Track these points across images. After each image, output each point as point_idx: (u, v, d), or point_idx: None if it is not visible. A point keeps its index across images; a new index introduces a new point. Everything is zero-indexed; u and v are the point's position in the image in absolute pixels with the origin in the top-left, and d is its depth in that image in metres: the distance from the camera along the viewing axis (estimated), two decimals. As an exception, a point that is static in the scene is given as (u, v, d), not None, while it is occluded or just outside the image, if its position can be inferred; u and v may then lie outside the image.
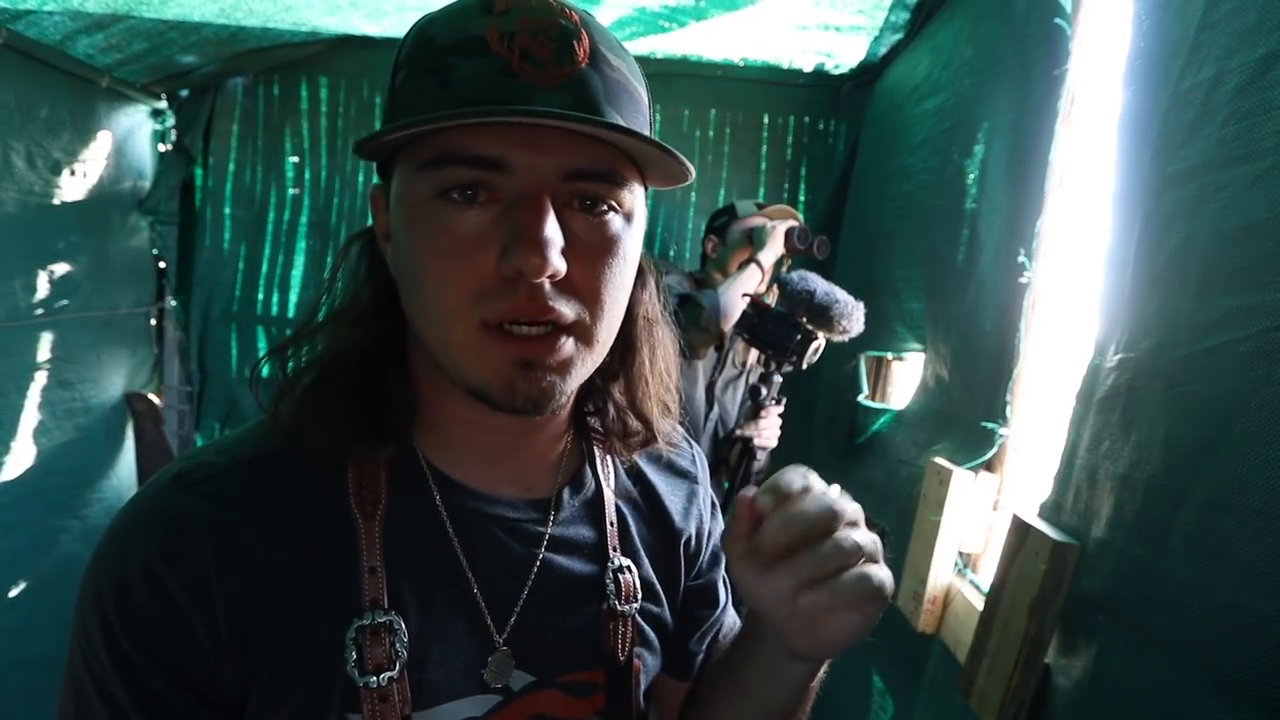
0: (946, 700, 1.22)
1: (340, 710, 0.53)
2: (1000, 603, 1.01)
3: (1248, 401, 0.67)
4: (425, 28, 0.52)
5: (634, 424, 0.66)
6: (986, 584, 1.13)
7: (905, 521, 1.46)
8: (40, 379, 2.09)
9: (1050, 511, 0.99)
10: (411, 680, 0.54)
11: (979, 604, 1.14)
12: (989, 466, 1.28)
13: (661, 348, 0.66)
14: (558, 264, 0.48)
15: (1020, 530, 1.00)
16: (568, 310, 0.50)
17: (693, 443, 0.79)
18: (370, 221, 0.61)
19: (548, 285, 0.49)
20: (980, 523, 1.28)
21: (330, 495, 0.55)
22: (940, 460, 1.33)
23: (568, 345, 0.51)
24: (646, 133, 0.54)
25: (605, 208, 0.51)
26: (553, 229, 0.48)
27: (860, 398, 1.99)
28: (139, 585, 0.51)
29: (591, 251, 0.51)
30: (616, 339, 0.58)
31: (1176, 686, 0.71)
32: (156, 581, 0.51)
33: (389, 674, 0.53)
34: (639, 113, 0.53)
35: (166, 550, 0.51)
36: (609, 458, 0.69)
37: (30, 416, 2.05)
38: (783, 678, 0.61)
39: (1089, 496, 0.90)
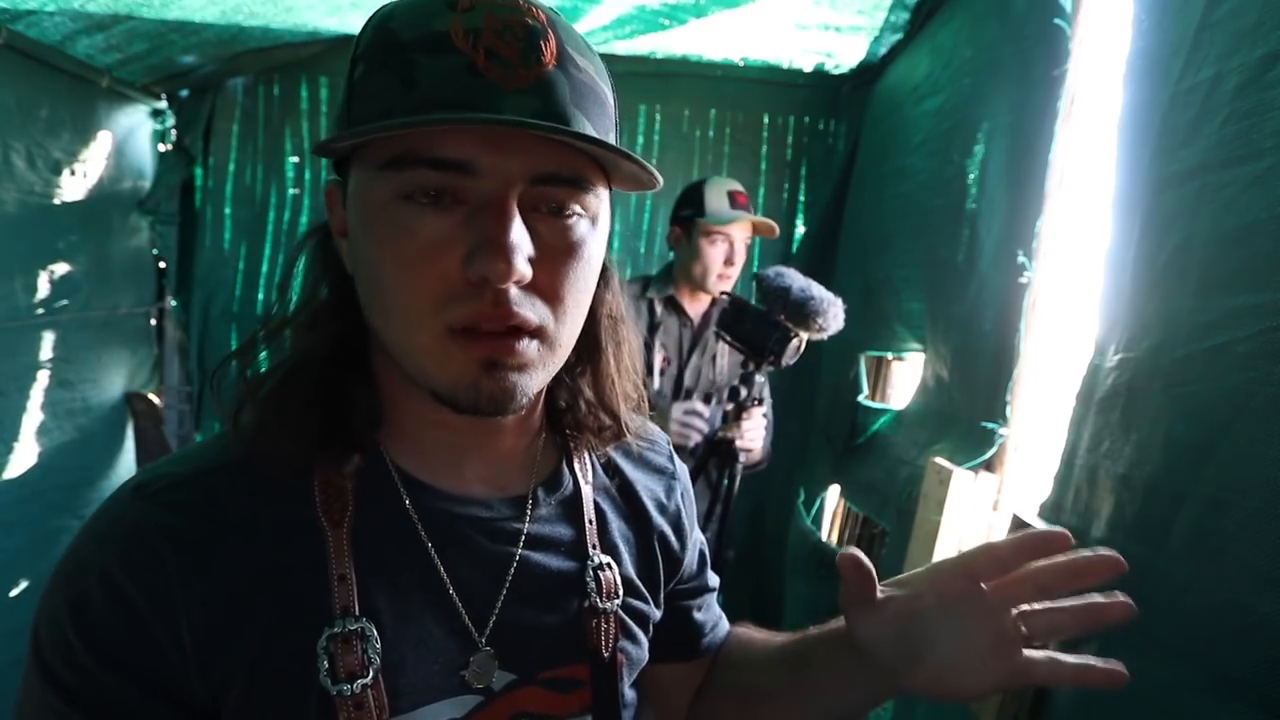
0: (946, 700, 1.22)
1: None
2: (1000, 603, 1.01)
3: (1248, 401, 0.67)
4: (385, 20, 0.50)
5: (604, 419, 0.66)
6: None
7: (905, 521, 1.46)
8: (40, 379, 2.08)
9: (1050, 511, 0.99)
10: (388, 685, 0.54)
11: (979, 604, 1.13)
12: (989, 466, 1.28)
13: (626, 344, 0.67)
14: (524, 270, 0.48)
15: (1020, 530, 1.00)
16: (532, 315, 0.50)
17: (668, 439, 0.80)
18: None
19: (513, 290, 0.49)
20: (980, 523, 1.28)
21: (296, 504, 0.55)
22: (940, 460, 1.33)
23: (531, 347, 0.51)
24: (613, 135, 0.54)
25: (571, 212, 0.51)
26: (519, 234, 0.48)
27: (860, 398, 1.99)
28: (97, 595, 0.50)
29: (557, 256, 0.51)
30: (581, 337, 0.58)
31: (1176, 686, 0.71)
32: (116, 591, 0.50)
33: (363, 681, 0.52)
34: (605, 115, 0.53)
35: (126, 560, 0.50)
36: (587, 455, 0.69)
37: (30, 416, 2.05)
38: (871, 699, 0.65)
39: (1089, 496, 0.90)
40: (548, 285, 0.51)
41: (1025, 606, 0.56)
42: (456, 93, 0.47)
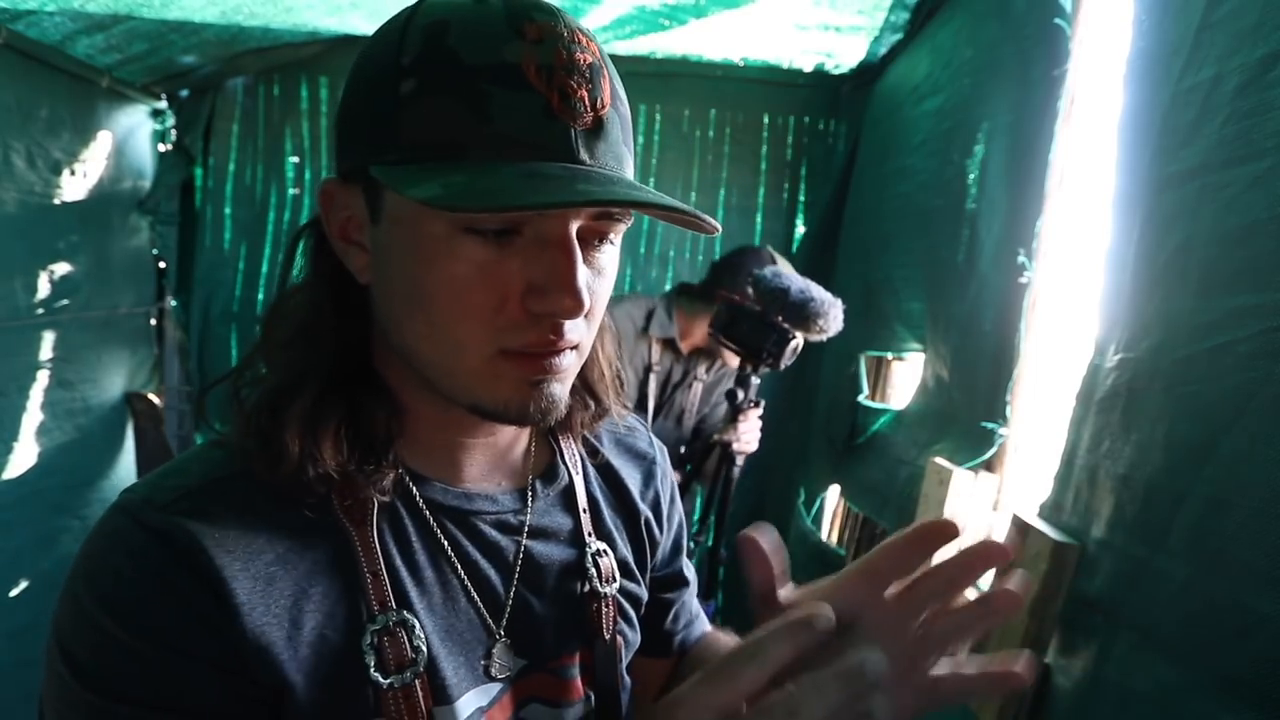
0: (946, 700, 1.22)
1: (365, 718, 0.53)
2: (1000, 603, 1.01)
3: (1248, 401, 0.67)
4: (440, 34, 0.49)
5: (590, 402, 0.69)
6: (987, 584, 1.13)
7: (905, 521, 1.46)
8: (40, 379, 2.08)
9: (1050, 511, 0.99)
10: (429, 678, 0.55)
11: (979, 604, 1.13)
12: (989, 466, 1.28)
13: (609, 332, 0.70)
14: (588, 305, 0.51)
15: (1020, 530, 1.00)
16: (575, 335, 0.53)
17: (647, 425, 0.83)
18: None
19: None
20: (980, 523, 1.28)
21: (313, 509, 0.54)
22: (940, 460, 1.33)
23: (570, 359, 0.54)
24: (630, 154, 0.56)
25: (610, 240, 0.54)
26: (584, 273, 0.51)
27: (860, 398, 1.99)
28: (132, 583, 0.48)
29: (599, 281, 0.54)
30: None
31: (1176, 686, 0.71)
32: (156, 575, 0.49)
33: (413, 670, 0.54)
34: (631, 138, 0.56)
35: (156, 556, 0.49)
36: (575, 447, 0.72)
37: (30, 416, 2.05)
38: None
39: (1089, 496, 0.90)
40: (590, 307, 0.53)
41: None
42: (534, 134, 0.48)
